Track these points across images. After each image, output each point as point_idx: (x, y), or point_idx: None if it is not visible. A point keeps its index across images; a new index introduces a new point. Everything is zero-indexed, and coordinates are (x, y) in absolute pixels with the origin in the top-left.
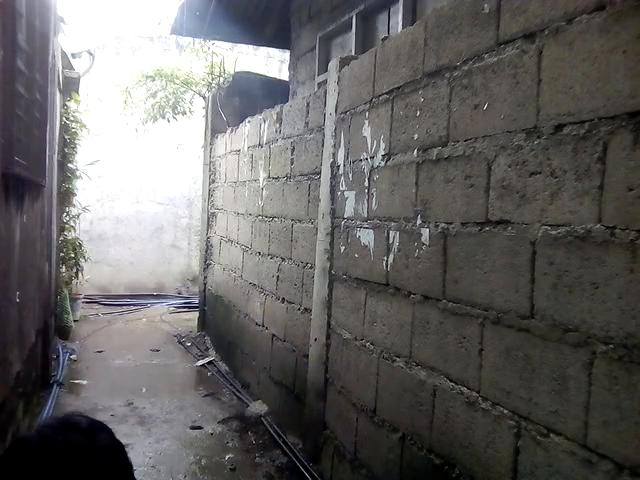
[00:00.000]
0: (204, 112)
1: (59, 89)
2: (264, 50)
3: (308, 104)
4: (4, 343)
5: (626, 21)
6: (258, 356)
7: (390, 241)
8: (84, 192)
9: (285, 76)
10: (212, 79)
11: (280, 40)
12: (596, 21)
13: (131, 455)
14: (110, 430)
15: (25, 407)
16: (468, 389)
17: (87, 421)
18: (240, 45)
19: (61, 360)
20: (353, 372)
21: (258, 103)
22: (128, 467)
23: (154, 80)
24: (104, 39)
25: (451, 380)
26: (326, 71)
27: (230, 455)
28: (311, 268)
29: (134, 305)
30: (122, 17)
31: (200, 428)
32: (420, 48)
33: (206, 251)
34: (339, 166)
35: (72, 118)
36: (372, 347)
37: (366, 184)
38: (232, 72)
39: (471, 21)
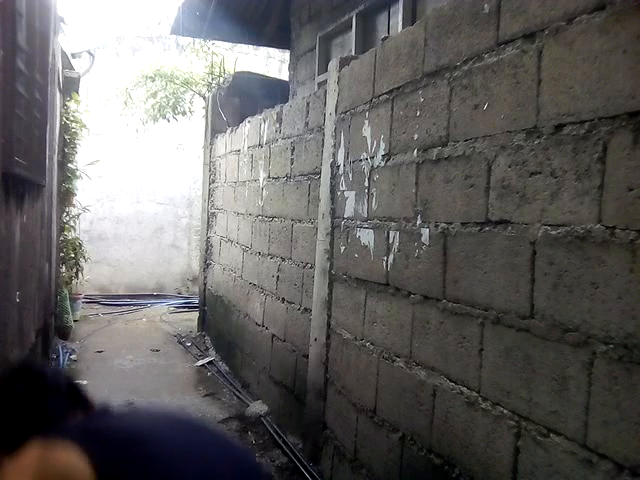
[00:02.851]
0: (204, 112)
1: (59, 89)
2: (264, 50)
3: (308, 104)
4: (4, 343)
5: (626, 21)
6: (258, 356)
7: (390, 241)
8: (84, 192)
9: (285, 76)
10: (212, 79)
11: (280, 40)
12: (596, 21)
13: None
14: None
15: None
16: (468, 389)
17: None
18: (240, 45)
19: (61, 360)
20: (353, 372)
21: (258, 103)
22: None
23: (154, 80)
24: (104, 39)
25: (451, 380)
26: (326, 71)
27: None
28: (311, 268)
29: (134, 305)
30: (122, 17)
31: None
32: (420, 48)
33: (206, 251)
34: (339, 166)
35: (72, 118)
36: (372, 347)
37: (366, 184)
38: (232, 72)
39: (471, 21)
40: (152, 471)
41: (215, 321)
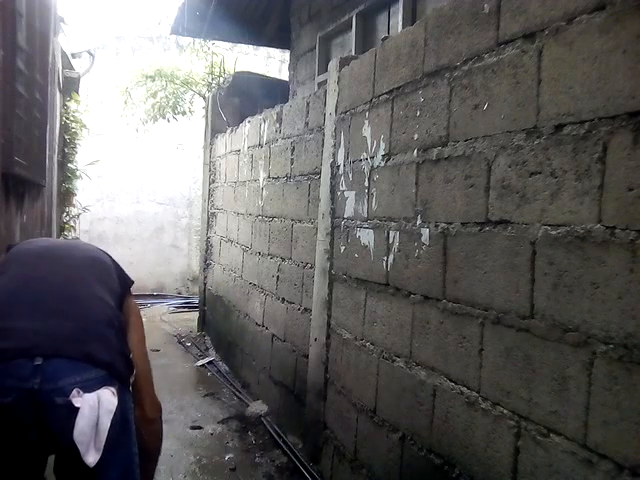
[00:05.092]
0: (204, 112)
1: (59, 89)
2: (264, 50)
3: (308, 104)
4: None
5: (626, 21)
6: (258, 356)
7: (390, 241)
8: (84, 192)
9: (285, 76)
10: (212, 79)
11: (280, 40)
12: (596, 21)
13: None
14: None
15: None
16: (468, 389)
17: None
18: (240, 45)
19: None
20: (353, 372)
21: (258, 103)
22: None
23: (154, 80)
24: (104, 39)
25: (451, 380)
26: (326, 71)
27: (230, 455)
28: (311, 268)
29: None
30: (122, 17)
31: (200, 428)
32: (420, 48)
33: (206, 251)
34: (339, 166)
35: (72, 118)
36: (372, 347)
37: (366, 184)
38: (232, 72)
39: (471, 21)
40: (20, 245)
41: (215, 321)
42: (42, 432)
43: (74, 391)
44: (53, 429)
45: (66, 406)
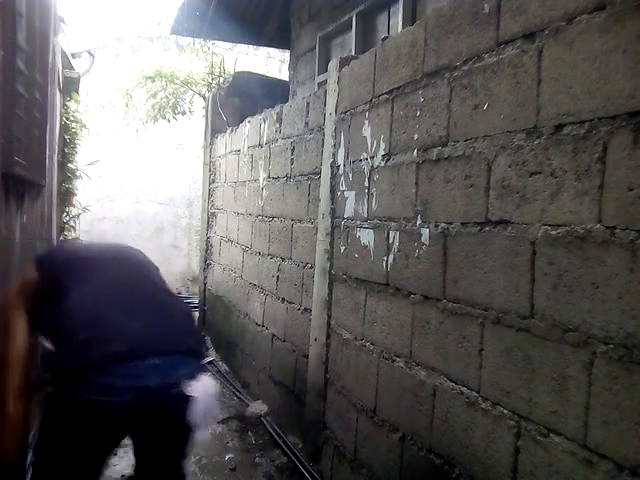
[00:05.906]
0: (204, 112)
1: (59, 89)
2: (264, 50)
3: (308, 104)
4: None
5: (626, 21)
6: (258, 356)
7: (390, 241)
8: (84, 192)
9: (285, 76)
10: (212, 79)
11: (280, 40)
12: (596, 21)
13: (131, 456)
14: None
15: None
16: (468, 389)
17: None
18: (240, 45)
19: None
20: (353, 372)
21: (258, 103)
22: None
23: (154, 81)
24: (104, 39)
25: (451, 380)
26: (326, 71)
27: (230, 455)
28: (311, 268)
29: None
30: (122, 17)
31: None
32: (420, 48)
33: (206, 251)
34: (339, 166)
35: (72, 118)
36: (372, 347)
37: (366, 184)
38: (232, 72)
39: (471, 21)
40: (61, 254)
41: (215, 321)
42: (144, 420)
43: (186, 382)
44: (166, 417)
45: (181, 396)
